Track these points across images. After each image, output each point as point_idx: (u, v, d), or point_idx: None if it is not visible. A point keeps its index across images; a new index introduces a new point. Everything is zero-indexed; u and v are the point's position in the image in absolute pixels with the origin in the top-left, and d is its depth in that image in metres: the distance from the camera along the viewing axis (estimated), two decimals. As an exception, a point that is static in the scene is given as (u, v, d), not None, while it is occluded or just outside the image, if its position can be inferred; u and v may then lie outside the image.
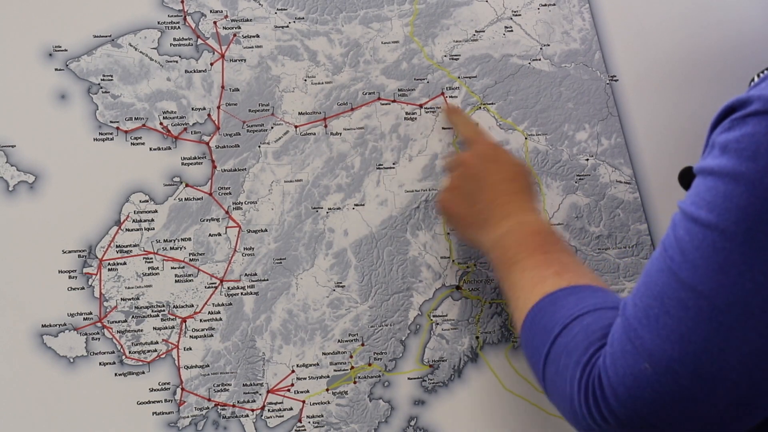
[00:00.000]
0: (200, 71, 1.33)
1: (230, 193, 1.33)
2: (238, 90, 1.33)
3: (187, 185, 1.32)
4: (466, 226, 1.26)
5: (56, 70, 1.29)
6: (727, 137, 0.88)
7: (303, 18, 1.36)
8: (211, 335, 1.31)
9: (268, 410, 1.32)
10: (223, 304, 1.32)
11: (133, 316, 1.30)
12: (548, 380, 0.99)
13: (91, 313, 1.29)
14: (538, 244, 1.16)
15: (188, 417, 1.30)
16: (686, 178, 1.23)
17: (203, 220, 1.32)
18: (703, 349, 0.86)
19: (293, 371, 1.33)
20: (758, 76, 1.13)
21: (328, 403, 1.34)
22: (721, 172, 0.87)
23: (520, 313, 1.08)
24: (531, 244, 1.16)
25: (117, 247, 1.30)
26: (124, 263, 1.30)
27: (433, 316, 1.36)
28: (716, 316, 0.86)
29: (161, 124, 1.31)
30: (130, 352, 1.29)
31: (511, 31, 1.40)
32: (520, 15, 1.40)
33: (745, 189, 0.85)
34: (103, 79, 1.30)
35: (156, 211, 1.31)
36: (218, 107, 1.33)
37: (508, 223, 1.20)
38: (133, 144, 1.31)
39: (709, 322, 0.86)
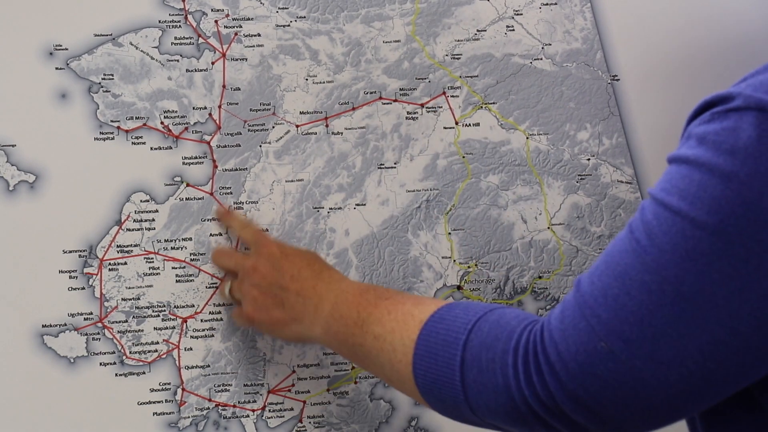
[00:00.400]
0: (201, 70, 1.32)
1: (231, 193, 1.32)
2: (240, 89, 1.33)
3: (188, 185, 1.31)
4: (285, 326, 1.21)
5: (57, 69, 1.28)
6: (706, 129, 0.88)
7: (304, 17, 1.35)
8: (212, 335, 1.31)
9: (269, 410, 1.32)
10: (223, 305, 1.31)
11: (133, 316, 1.29)
12: (471, 388, 0.96)
13: (91, 313, 1.28)
14: (375, 296, 1.13)
15: (189, 417, 1.30)
16: None
17: (204, 220, 1.32)
18: (662, 333, 0.86)
19: (294, 371, 1.33)
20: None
21: (329, 403, 1.34)
22: (696, 161, 0.87)
23: (403, 353, 1.04)
24: (367, 299, 1.13)
25: (118, 246, 1.29)
26: (125, 263, 1.30)
27: (434, 316, 1.36)
28: (679, 303, 0.86)
29: (162, 123, 1.31)
30: (130, 353, 1.29)
31: (513, 30, 1.40)
32: (521, 14, 1.40)
33: (720, 182, 0.85)
34: (103, 78, 1.29)
35: (157, 211, 1.31)
36: (219, 106, 1.32)
37: (330, 299, 1.17)
38: (133, 143, 1.30)
39: (671, 308, 0.86)
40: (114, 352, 1.29)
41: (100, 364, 1.28)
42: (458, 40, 1.39)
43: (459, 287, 1.36)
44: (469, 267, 1.37)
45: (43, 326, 1.27)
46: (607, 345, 0.88)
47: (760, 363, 0.88)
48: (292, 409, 1.33)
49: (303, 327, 1.19)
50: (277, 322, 1.21)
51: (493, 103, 1.39)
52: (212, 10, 1.33)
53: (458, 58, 1.38)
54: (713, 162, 0.86)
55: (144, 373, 1.29)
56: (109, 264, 1.29)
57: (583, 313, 0.90)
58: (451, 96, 1.38)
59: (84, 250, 1.28)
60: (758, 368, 0.88)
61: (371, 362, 1.10)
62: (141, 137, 1.30)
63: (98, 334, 1.28)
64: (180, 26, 1.32)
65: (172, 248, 1.31)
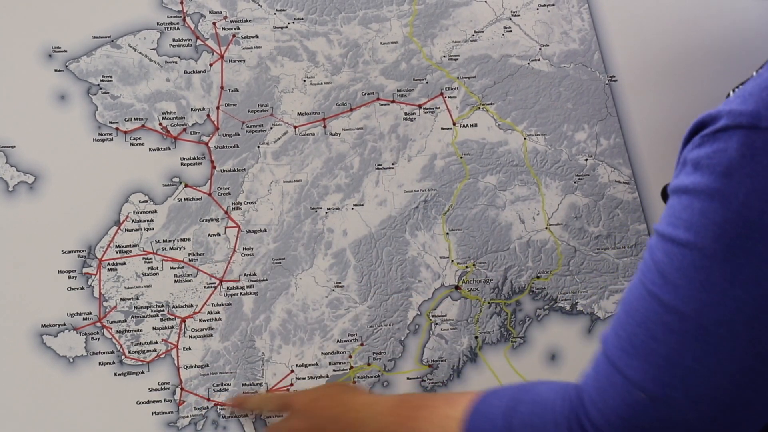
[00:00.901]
0: (199, 72, 1.33)
1: (229, 194, 1.33)
2: (238, 90, 1.34)
3: (186, 185, 1.32)
4: None
5: (56, 70, 1.29)
6: (699, 153, 0.87)
7: (302, 19, 1.36)
8: (211, 335, 1.32)
9: (268, 410, 1.33)
10: (222, 304, 1.32)
11: (132, 316, 1.30)
12: None
13: (90, 313, 1.29)
14: (410, 407, 1.14)
15: (188, 417, 1.30)
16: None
17: (202, 221, 1.32)
18: (692, 370, 0.86)
19: (292, 371, 1.34)
20: (733, 91, 1.12)
21: (327, 402, 1.34)
22: (695, 189, 0.87)
23: None
24: (405, 415, 1.14)
25: (116, 247, 1.30)
26: (124, 263, 1.30)
27: (432, 316, 1.36)
28: (702, 337, 0.85)
29: (160, 124, 1.32)
30: (129, 352, 1.30)
31: (510, 31, 1.40)
32: (519, 15, 1.41)
33: (720, 205, 0.84)
34: (102, 80, 1.30)
35: (155, 212, 1.31)
36: (217, 108, 1.33)
37: (372, 426, 1.18)
38: (132, 144, 1.31)
39: (696, 343, 0.85)
40: (113, 352, 1.29)
41: (99, 363, 1.29)
42: (456, 42, 1.39)
43: (457, 287, 1.37)
44: (467, 267, 1.38)
45: (42, 326, 1.28)
46: (645, 394, 0.87)
47: None
48: (290, 409, 1.33)
49: None
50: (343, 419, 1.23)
51: (491, 103, 1.39)
52: (210, 12, 1.33)
53: (456, 59, 1.39)
54: (711, 187, 0.85)
55: (143, 372, 1.30)
56: (108, 264, 1.30)
57: (616, 368, 0.89)
58: (449, 97, 1.38)
59: (83, 251, 1.29)
60: None
61: None
62: (139, 138, 1.31)
63: (97, 333, 1.29)
64: (178, 28, 1.33)
65: (171, 248, 1.31)
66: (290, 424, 1.26)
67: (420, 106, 1.38)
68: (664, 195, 1.26)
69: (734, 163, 0.84)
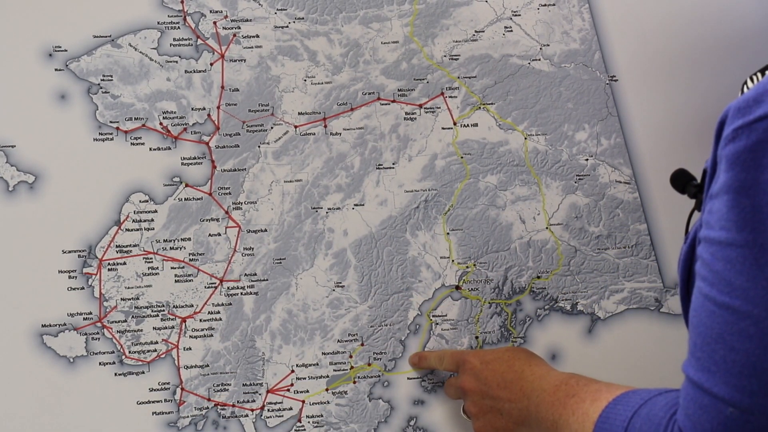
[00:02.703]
0: (200, 71, 1.33)
1: (230, 193, 1.33)
2: (238, 90, 1.33)
3: (186, 185, 1.32)
4: (513, 431, 1.23)
5: (56, 70, 1.29)
6: (735, 148, 0.85)
7: (303, 18, 1.36)
8: (211, 335, 1.32)
9: (268, 410, 1.32)
10: (222, 304, 1.32)
11: (132, 316, 1.30)
12: None
13: (90, 313, 1.29)
14: (565, 393, 1.13)
15: (188, 417, 1.30)
16: (680, 180, 1.21)
17: (203, 220, 1.32)
18: None
19: (293, 371, 1.33)
20: (751, 80, 1.11)
21: (328, 403, 1.34)
22: (740, 186, 0.84)
23: None
24: (559, 398, 1.13)
25: (117, 247, 1.30)
26: (124, 263, 1.30)
27: (433, 316, 1.36)
28: None
29: (161, 124, 1.31)
30: (129, 352, 1.29)
31: (511, 31, 1.40)
32: (519, 15, 1.40)
33: None
34: (103, 80, 1.30)
35: (156, 211, 1.31)
36: (218, 107, 1.33)
37: (534, 400, 1.18)
38: (133, 144, 1.31)
39: None
40: (113, 352, 1.29)
41: (100, 363, 1.29)
42: (456, 41, 1.39)
43: (457, 287, 1.37)
44: (467, 267, 1.37)
45: (42, 326, 1.27)
46: (735, 408, 0.85)
47: None
48: (290, 409, 1.33)
49: (527, 428, 1.20)
50: (504, 429, 1.23)
51: (492, 103, 1.39)
52: (211, 11, 1.33)
53: (456, 59, 1.39)
54: (757, 180, 0.83)
55: (143, 372, 1.30)
56: (109, 264, 1.30)
57: (702, 390, 0.87)
58: (450, 96, 1.38)
59: (83, 250, 1.29)
60: None
61: None
62: (140, 138, 1.31)
63: (97, 333, 1.29)
64: (179, 27, 1.32)
65: (171, 248, 1.31)
66: (460, 381, 1.27)
67: (421, 106, 1.38)
68: (676, 183, 1.24)
69: None
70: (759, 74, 1.11)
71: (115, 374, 1.29)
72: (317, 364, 1.34)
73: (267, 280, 1.33)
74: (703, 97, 1.42)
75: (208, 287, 1.31)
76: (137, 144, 1.31)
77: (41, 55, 1.29)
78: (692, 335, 0.90)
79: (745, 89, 1.09)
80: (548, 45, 1.41)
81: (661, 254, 1.39)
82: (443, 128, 1.38)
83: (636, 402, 1.00)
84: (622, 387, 1.08)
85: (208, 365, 1.31)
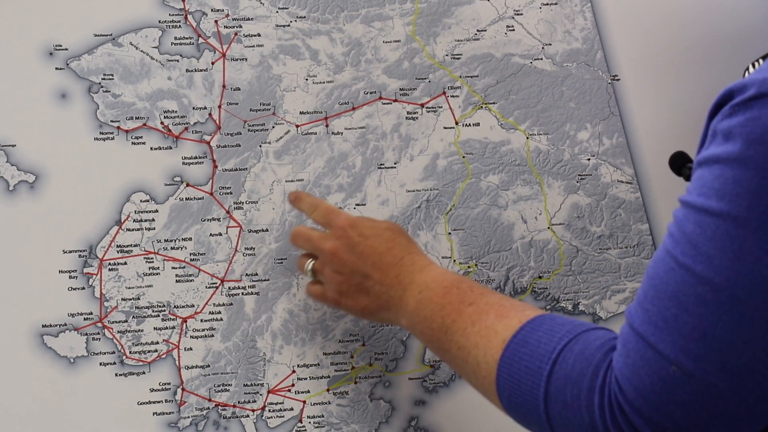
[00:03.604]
0: (201, 70, 1.32)
1: (231, 193, 1.32)
2: (240, 89, 1.33)
3: (187, 185, 1.31)
4: (373, 313, 1.20)
5: (57, 69, 1.28)
6: (730, 123, 0.86)
7: (304, 17, 1.35)
8: (212, 335, 1.31)
9: (269, 410, 1.32)
10: (223, 304, 1.31)
11: (133, 316, 1.29)
12: (556, 420, 0.94)
13: (91, 313, 1.28)
14: (459, 299, 1.10)
15: (189, 417, 1.30)
16: (677, 162, 1.21)
17: (204, 220, 1.32)
18: (728, 343, 0.84)
19: (294, 371, 1.33)
20: (753, 65, 1.12)
21: (329, 403, 1.34)
22: (728, 158, 0.85)
23: (486, 371, 1.02)
24: (451, 302, 1.10)
25: (117, 246, 1.29)
26: (125, 263, 1.30)
27: (434, 316, 1.35)
28: (737, 307, 0.83)
29: (162, 123, 1.31)
30: (130, 352, 1.29)
31: (513, 30, 1.40)
32: (521, 14, 1.40)
33: (756, 173, 0.83)
34: (103, 79, 1.30)
35: (157, 211, 1.31)
36: (219, 106, 1.32)
37: (413, 294, 1.14)
38: (133, 143, 1.30)
39: (731, 314, 0.84)
40: (114, 352, 1.29)
41: (100, 364, 1.28)
42: (458, 40, 1.39)
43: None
44: (469, 267, 1.37)
45: (43, 326, 1.27)
46: (678, 368, 0.85)
47: None
48: (291, 409, 1.33)
49: (390, 315, 1.18)
50: (365, 309, 1.20)
51: (493, 103, 1.39)
52: (212, 10, 1.33)
53: (458, 58, 1.38)
54: (745, 155, 0.84)
55: (144, 373, 1.29)
56: (109, 264, 1.29)
57: (647, 343, 0.88)
58: (451, 96, 1.38)
59: (84, 250, 1.28)
60: None
61: (457, 368, 1.09)
62: (141, 137, 1.30)
63: (98, 334, 1.28)
64: (180, 26, 1.32)
65: (172, 248, 1.31)
66: (328, 244, 1.21)
67: (422, 105, 1.37)
68: (673, 164, 1.24)
69: None
70: (761, 60, 1.11)
71: (116, 374, 1.29)
72: (318, 365, 1.34)
73: (268, 280, 1.33)
74: (706, 96, 1.41)
75: (209, 287, 1.31)
76: (138, 143, 1.30)
77: (42, 54, 1.28)
78: (645, 286, 0.90)
79: (746, 74, 1.10)
80: (550, 44, 1.40)
81: (663, 254, 1.39)
82: (445, 128, 1.38)
83: (562, 333, 0.97)
84: (524, 305, 1.05)
85: (209, 365, 1.31)
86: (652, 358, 0.87)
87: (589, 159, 1.40)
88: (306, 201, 1.29)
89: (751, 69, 1.13)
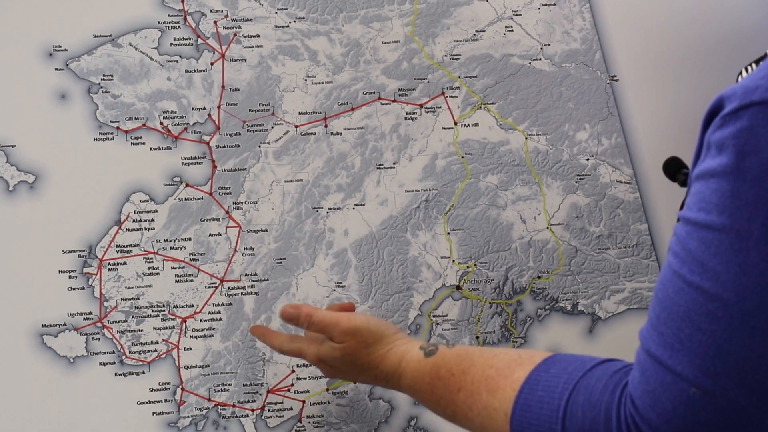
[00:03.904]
0: (200, 71, 1.32)
1: (230, 193, 1.33)
2: (239, 90, 1.33)
3: (187, 185, 1.32)
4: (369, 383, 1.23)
5: (56, 69, 1.29)
6: (722, 134, 0.85)
7: (303, 18, 1.35)
8: (212, 335, 1.31)
9: (268, 410, 1.32)
10: (223, 304, 1.32)
11: (133, 316, 1.30)
12: None
13: (91, 313, 1.29)
14: (446, 390, 1.09)
15: (188, 417, 1.30)
16: (671, 167, 1.21)
17: (203, 220, 1.32)
18: (743, 357, 0.83)
19: (293, 371, 1.33)
20: (746, 70, 1.12)
21: (328, 403, 1.34)
22: (723, 171, 0.84)
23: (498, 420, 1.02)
24: (440, 395, 1.10)
25: (117, 247, 1.30)
26: (125, 263, 1.30)
27: (434, 316, 1.36)
28: (748, 321, 0.83)
29: (161, 123, 1.31)
30: (130, 352, 1.29)
31: (512, 30, 1.40)
32: (520, 15, 1.40)
33: (752, 184, 0.82)
34: (103, 79, 1.30)
35: (156, 211, 1.31)
36: (218, 107, 1.33)
37: (406, 385, 1.15)
38: (133, 144, 1.30)
39: (743, 329, 0.83)
40: (113, 352, 1.29)
41: (100, 363, 1.28)
42: (457, 41, 1.39)
43: (458, 287, 1.37)
44: (468, 267, 1.37)
45: (42, 326, 1.27)
46: (698, 389, 0.85)
47: None
48: (291, 409, 1.33)
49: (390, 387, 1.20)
50: (361, 380, 1.23)
51: (492, 103, 1.39)
52: (211, 11, 1.33)
53: (457, 59, 1.39)
54: (740, 167, 0.83)
55: (143, 372, 1.29)
56: (109, 264, 1.29)
57: (664, 366, 0.87)
58: (450, 96, 1.38)
59: (83, 250, 1.29)
60: None
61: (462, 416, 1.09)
62: (140, 137, 1.31)
63: (98, 333, 1.29)
64: (179, 27, 1.32)
65: (172, 248, 1.31)
66: (317, 360, 1.23)
67: (421, 106, 1.38)
68: (667, 170, 1.24)
69: (762, 140, 0.82)
70: (753, 64, 1.11)
71: (116, 374, 1.29)
72: (318, 364, 1.34)
73: (267, 280, 1.33)
74: (704, 96, 1.41)
75: (209, 287, 1.31)
76: (138, 144, 1.30)
77: (41, 54, 1.28)
78: (656, 308, 0.89)
79: (740, 79, 1.10)
80: (549, 45, 1.41)
81: (662, 254, 1.39)
82: (444, 128, 1.38)
83: (561, 387, 0.96)
84: (508, 365, 1.03)
85: (208, 365, 1.31)
86: (672, 381, 0.86)
87: (588, 159, 1.40)
88: (266, 331, 1.30)
89: (744, 73, 1.13)
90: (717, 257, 0.84)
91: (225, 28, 1.33)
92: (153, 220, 1.31)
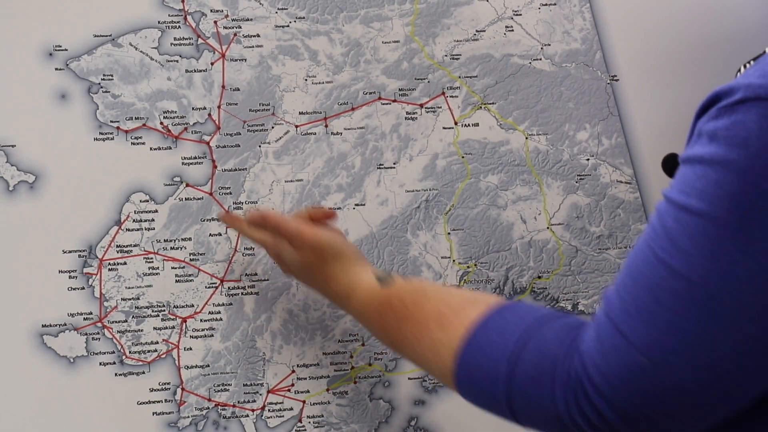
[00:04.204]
0: (201, 71, 1.32)
1: (231, 193, 1.33)
2: (239, 89, 1.33)
3: (187, 185, 1.32)
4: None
5: (56, 69, 1.29)
6: (716, 125, 0.87)
7: (303, 17, 1.35)
8: (212, 335, 1.31)
9: (269, 410, 1.32)
10: (223, 304, 1.32)
11: (133, 316, 1.30)
12: (521, 414, 0.95)
13: (91, 313, 1.29)
14: (396, 318, 1.10)
15: (188, 417, 1.30)
16: (670, 164, 1.22)
17: (204, 220, 1.32)
18: (697, 338, 0.86)
19: (293, 371, 1.33)
20: (744, 66, 1.13)
21: (329, 403, 1.34)
22: (711, 160, 0.86)
23: (445, 380, 1.02)
24: (390, 323, 1.11)
25: (117, 247, 1.30)
26: (125, 263, 1.30)
27: (434, 316, 1.36)
28: (709, 305, 0.85)
29: (162, 123, 1.31)
30: (130, 352, 1.29)
31: (512, 30, 1.40)
32: (520, 14, 1.40)
33: (737, 176, 0.84)
34: (103, 79, 1.30)
35: (156, 211, 1.31)
36: (219, 107, 1.33)
37: (354, 307, 1.18)
38: (133, 144, 1.30)
39: (703, 311, 0.85)
40: (114, 352, 1.29)
41: (100, 363, 1.28)
42: (457, 41, 1.39)
43: (458, 287, 1.37)
44: (468, 267, 1.37)
45: (42, 326, 1.27)
46: (647, 358, 0.87)
47: None
48: (291, 409, 1.33)
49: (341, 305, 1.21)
50: (313, 289, 1.24)
51: (493, 103, 1.39)
52: (211, 10, 1.33)
53: (457, 59, 1.39)
54: (727, 158, 0.85)
55: (143, 372, 1.29)
56: (109, 264, 1.29)
57: (619, 330, 0.89)
58: (451, 96, 1.38)
59: (84, 250, 1.29)
60: None
61: (413, 363, 1.11)
62: (140, 137, 1.31)
63: (98, 333, 1.29)
64: (179, 27, 1.32)
65: (172, 248, 1.31)
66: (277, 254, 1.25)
67: (421, 106, 1.38)
68: (665, 166, 1.25)
69: (752, 135, 0.84)
70: (752, 61, 1.12)
71: (116, 374, 1.29)
72: (318, 364, 1.34)
73: (268, 280, 1.33)
74: (704, 96, 1.42)
75: (209, 287, 1.31)
76: (138, 144, 1.30)
77: (41, 54, 1.28)
78: (624, 274, 0.91)
79: (738, 76, 1.11)
80: (549, 44, 1.41)
81: (662, 254, 1.39)
82: (444, 128, 1.38)
83: (517, 332, 0.97)
84: (462, 303, 1.04)
85: (208, 365, 1.31)
86: (624, 347, 0.88)
87: (588, 159, 1.40)
88: (241, 221, 1.30)
89: (742, 70, 1.14)
90: (691, 240, 0.86)
91: (225, 27, 1.33)
92: (153, 220, 1.31)
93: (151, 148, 1.31)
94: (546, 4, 1.41)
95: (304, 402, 1.33)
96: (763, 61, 0.89)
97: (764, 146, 0.84)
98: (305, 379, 1.33)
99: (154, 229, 1.31)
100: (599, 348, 0.90)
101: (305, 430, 1.33)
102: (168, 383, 1.30)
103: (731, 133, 0.85)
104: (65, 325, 1.28)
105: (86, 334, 1.28)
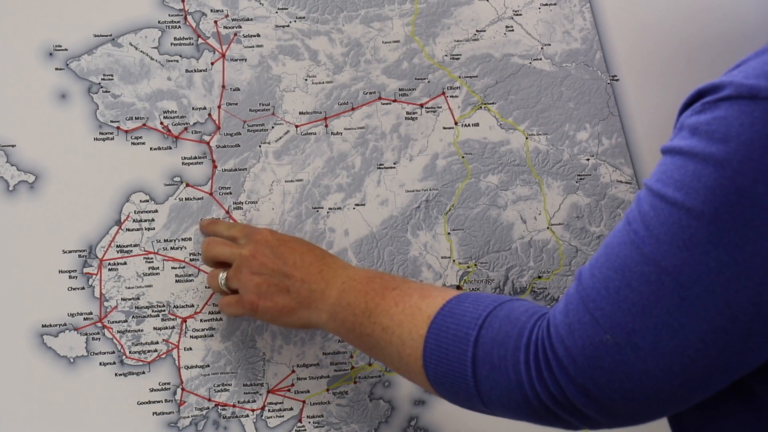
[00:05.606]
0: (201, 71, 1.32)
1: (231, 193, 1.33)
2: (239, 89, 1.33)
3: (187, 185, 1.32)
4: (291, 313, 1.20)
5: (56, 69, 1.29)
6: (698, 119, 0.89)
7: (304, 17, 1.35)
8: (212, 335, 1.31)
9: (269, 410, 1.32)
10: (223, 304, 1.32)
11: (133, 316, 1.30)
12: (484, 383, 0.98)
13: (91, 313, 1.29)
14: (382, 286, 1.13)
15: (188, 417, 1.30)
16: None
17: (204, 220, 1.32)
18: (663, 323, 0.88)
19: (293, 371, 1.33)
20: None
21: (329, 403, 1.34)
22: (690, 152, 0.88)
23: (412, 347, 1.05)
24: (375, 289, 1.13)
25: (117, 246, 1.30)
26: (125, 263, 1.30)
27: (434, 316, 1.36)
28: (678, 292, 0.87)
29: (162, 123, 1.31)
30: (130, 352, 1.29)
31: (512, 30, 1.40)
32: (521, 14, 1.40)
33: (714, 170, 0.86)
34: (103, 79, 1.30)
35: (156, 211, 1.31)
36: (219, 107, 1.33)
37: (336, 286, 1.17)
38: (133, 144, 1.30)
39: (671, 297, 0.87)
40: (114, 352, 1.29)
41: (100, 363, 1.28)
42: (457, 41, 1.39)
43: (458, 287, 1.37)
44: (468, 267, 1.37)
45: (42, 326, 1.27)
46: (611, 337, 0.89)
47: (759, 349, 0.89)
48: (291, 409, 1.33)
49: (311, 312, 1.19)
50: (283, 309, 1.20)
51: (493, 103, 1.39)
52: (212, 10, 1.33)
53: (457, 59, 1.39)
54: (707, 151, 0.87)
55: (144, 372, 1.29)
56: (109, 264, 1.29)
57: (587, 307, 0.91)
58: (451, 96, 1.38)
59: (84, 250, 1.29)
60: (758, 354, 0.89)
61: (380, 352, 1.12)
62: (140, 137, 1.31)
63: (98, 333, 1.29)
64: (179, 27, 1.32)
65: (172, 248, 1.31)
66: (248, 249, 1.22)
67: (422, 106, 1.38)
68: None
69: (732, 132, 0.86)
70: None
71: (116, 374, 1.29)
72: (318, 364, 1.34)
73: (268, 280, 1.33)
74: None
75: (209, 287, 1.31)
76: (138, 143, 1.30)
77: (41, 54, 1.28)
78: (600, 251, 0.94)
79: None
80: (549, 44, 1.41)
81: (662, 254, 1.39)
82: (444, 128, 1.38)
83: (488, 303, 1.01)
84: (447, 288, 1.09)
85: (208, 365, 1.31)
86: (589, 322, 0.91)
87: (588, 159, 1.40)
88: (221, 224, 1.30)
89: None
90: (664, 227, 0.88)
91: (225, 27, 1.33)
92: (153, 220, 1.31)
93: (151, 148, 1.31)
94: (546, 4, 1.41)
95: (304, 402, 1.33)
96: (748, 62, 0.91)
97: (743, 143, 0.86)
98: (305, 379, 1.34)
99: (154, 229, 1.30)
100: (566, 321, 0.93)
101: (305, 430, 1.33)
102: (168, 383, 1.30)
103: (712, 128, 0.87)
104: (65, 325, 1.28)
105: (86, 334, 1.28)
